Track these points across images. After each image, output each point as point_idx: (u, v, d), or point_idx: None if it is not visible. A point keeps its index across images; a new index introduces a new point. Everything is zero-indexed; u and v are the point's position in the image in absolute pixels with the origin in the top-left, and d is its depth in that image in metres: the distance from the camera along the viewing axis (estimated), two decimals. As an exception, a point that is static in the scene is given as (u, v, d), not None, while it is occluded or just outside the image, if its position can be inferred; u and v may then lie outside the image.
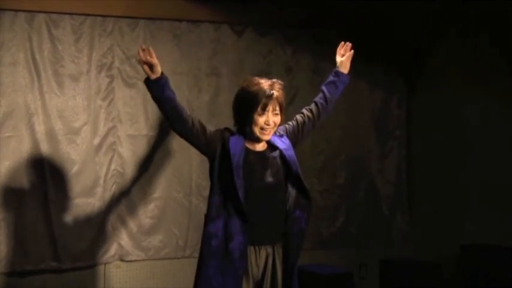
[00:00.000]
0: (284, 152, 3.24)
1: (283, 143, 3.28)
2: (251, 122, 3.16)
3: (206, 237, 3.15)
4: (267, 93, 3.13)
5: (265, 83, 3.17)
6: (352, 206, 5.59)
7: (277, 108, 3.18)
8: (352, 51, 3.52)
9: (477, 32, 5.31)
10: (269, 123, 3.16)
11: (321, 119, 3.45)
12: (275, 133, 3.29)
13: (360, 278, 5.51)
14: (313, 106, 3.44)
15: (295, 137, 3.37)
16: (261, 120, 3.15)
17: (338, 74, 3.49)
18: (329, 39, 5.48)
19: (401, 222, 5.78)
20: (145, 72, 3.07)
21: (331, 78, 3.49)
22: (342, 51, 3.53)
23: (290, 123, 3.42)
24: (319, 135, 5.47)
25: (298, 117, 3.42)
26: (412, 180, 5.81)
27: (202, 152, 3.25)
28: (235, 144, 3.16)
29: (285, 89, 3.30)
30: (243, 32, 5.24)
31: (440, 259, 5.26)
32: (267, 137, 3.21)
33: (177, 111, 3.12)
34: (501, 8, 5.06)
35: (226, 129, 3.27)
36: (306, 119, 3.40)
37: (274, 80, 3.21)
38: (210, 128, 3.25)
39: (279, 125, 3.25)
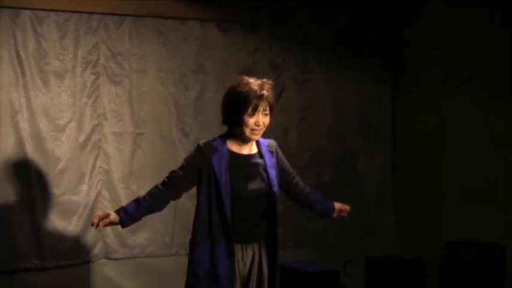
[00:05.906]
0: (268, 168, 3.24)
1: (270, 160, 3.27)
2: (241, 123, 3.12)
3: (193, 263, 3.15)
4: (257, 93, 3.09)
5: (255, 83, 3.12)
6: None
7: (267, 109, 3.15)
8: (346, 213, 3.65)
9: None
10: (259, 124, 3.13)
11: (289, 195, 3.50)
12: (268, 147, 3.29)
13: (345, 275, 5.53)
14: (301, 185, 3.49)
15: (279, 174, 3.35)
16: (251, 121, 3.12)
17: (330, 210, 3.60)
18: (316, 37, 5.52)
19: (386, 219, 5.80)
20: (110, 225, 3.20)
21: (327, 203, 3.60)
22: (341, 212, 3.64)
23: (288, 165, 3.43)
24: (306, 133, 5.49)
25: (294, 172, 3.46)
26: (397, 178, 5.83)
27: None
28: (219, 161, 3.13)
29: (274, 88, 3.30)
30: (229, 30, 5.23)
31: (425, 256, 5.29)
32: (257, 137, 3.20)
33: (158, 203, 3.25)
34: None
35: (202, 146, 3.19)
36: (291, 180, 3.43)
37: (264, 80, 3.17)
38: (184, 161, 3.27)
39: (268, 125, 3.22)
